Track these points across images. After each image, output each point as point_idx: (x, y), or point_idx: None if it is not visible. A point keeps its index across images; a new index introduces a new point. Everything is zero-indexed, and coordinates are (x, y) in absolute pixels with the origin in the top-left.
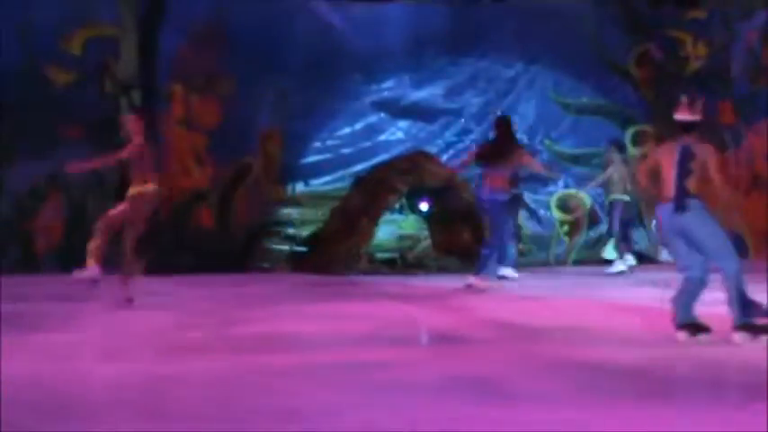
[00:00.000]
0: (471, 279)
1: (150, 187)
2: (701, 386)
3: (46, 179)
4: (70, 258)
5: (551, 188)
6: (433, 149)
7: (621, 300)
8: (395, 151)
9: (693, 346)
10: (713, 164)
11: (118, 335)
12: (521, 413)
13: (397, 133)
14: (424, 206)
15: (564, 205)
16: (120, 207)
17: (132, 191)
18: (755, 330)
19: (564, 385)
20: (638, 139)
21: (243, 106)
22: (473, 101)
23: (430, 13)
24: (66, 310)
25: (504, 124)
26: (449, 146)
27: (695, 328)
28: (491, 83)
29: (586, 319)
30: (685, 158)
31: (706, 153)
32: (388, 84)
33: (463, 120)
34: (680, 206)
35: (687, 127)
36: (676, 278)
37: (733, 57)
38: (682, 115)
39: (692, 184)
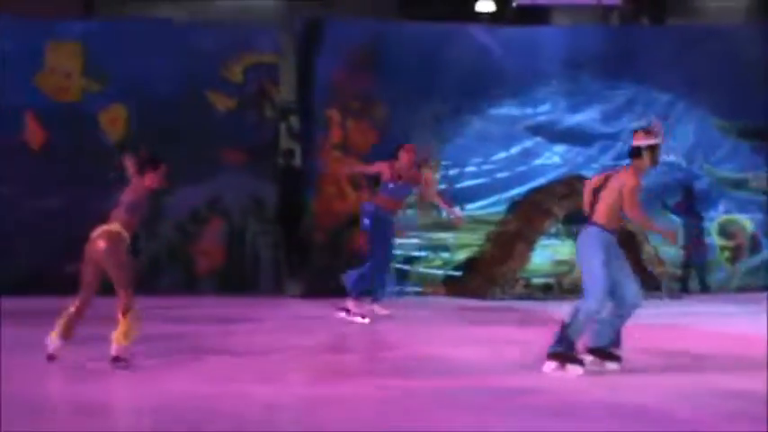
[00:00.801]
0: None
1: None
2: None
3: (206, 203)
4: (229, 281)
5: (712, 213)
6: (589, 174)
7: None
8: (551, 176)
9: None
10: (624, 193)
11: (273, 356)
12: None
13: (554, 158)
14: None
15: (725, 231)
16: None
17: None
18: (562, 360)
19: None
20: None
21: (397, 131)
22: (630, 125)
23: (586, 36)
24: (224, 331)
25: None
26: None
27: (604, 355)
28: (648, 106)
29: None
30: (601, 185)
31: (621, 182)
32: (544, 108)
33: (620, 144)
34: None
35: (632, 152)
36: None
37: None
38: (636, 141)
39: (600, 210)
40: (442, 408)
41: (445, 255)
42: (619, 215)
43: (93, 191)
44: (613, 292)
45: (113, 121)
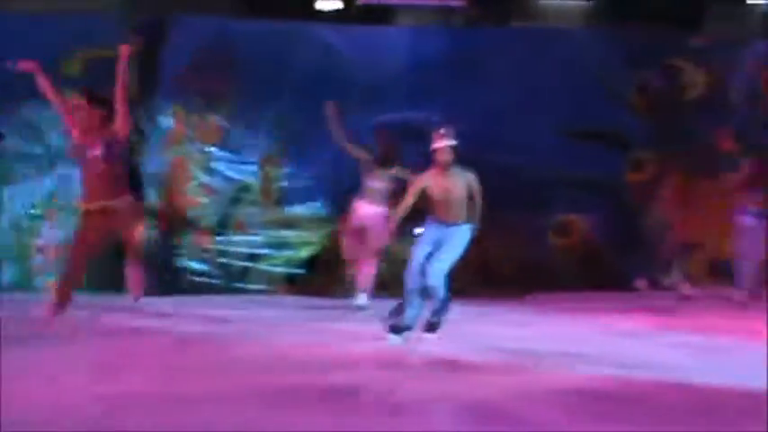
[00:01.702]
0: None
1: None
2: None
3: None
4: None
5: (551, 213)
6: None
7: None
8: None
9: None
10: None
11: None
12: None
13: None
14: (419, 231)
15: (563, 230)
16: None
17: None
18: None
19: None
20: (637, 167)
21: (243, 129)
22: (474, 125)
23: (431, 37)
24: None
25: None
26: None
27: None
28: (491, 108)
29: None
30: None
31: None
32: (389, 107)
33: (464, 144)
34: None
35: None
36: None
37: (732, 85)
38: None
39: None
40: (278, 407)
41: (288, 252)
42: (446, 207)
43: None
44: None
45: None
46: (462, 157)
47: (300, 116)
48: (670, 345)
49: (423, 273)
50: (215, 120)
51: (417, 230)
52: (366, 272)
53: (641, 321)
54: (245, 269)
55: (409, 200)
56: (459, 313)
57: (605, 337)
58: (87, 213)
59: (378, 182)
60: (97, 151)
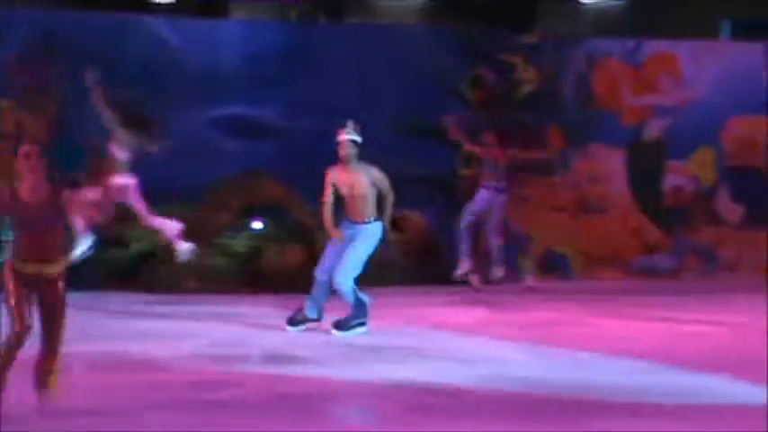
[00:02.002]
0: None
1: None
2: None
3: None
4: None
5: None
6: (268, 168)
7: None
8: (230, 169)
9: None
10: None
11: None
12: None
13: (233, 151)
14: (257, 225)
15: (400, 226)
16: None
17: None
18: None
19: None
20: (469, 161)
21: (73, 122)
22: (309, 120)
23: (266, 31)
24: None
25: None
26: (284, 164)
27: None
28: (328, 102)
29: None
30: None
31: None
32: (224, 101)
33: (299, 139)
34: None
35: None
36: None
37: (562, 82)
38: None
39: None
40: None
41: (120, 248)
42: (352, 204)
43: None
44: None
45: None
46: (298, 150)
47: None
48: (500, 338)
49: (330, 270)
50: (44, 115)
51: (255, 224)
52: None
53: (473, 316)
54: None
55: (327, 196)
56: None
57: (436, 332)
58: None
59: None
60: None
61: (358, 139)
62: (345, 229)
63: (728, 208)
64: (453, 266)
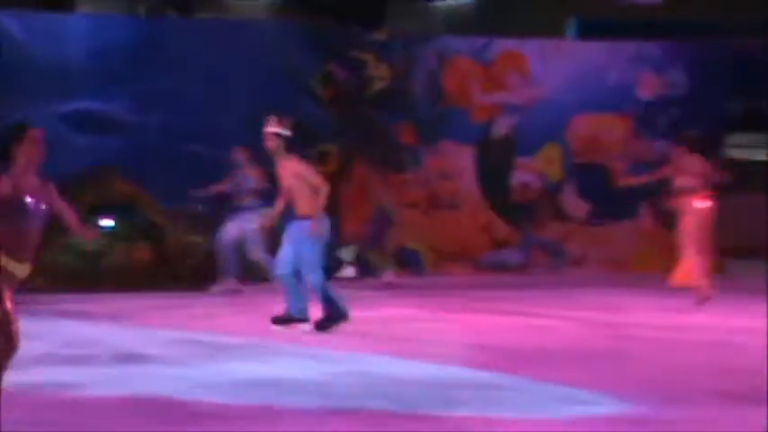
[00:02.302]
0: None
1: None
2: None
3: None
4: None
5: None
6: (117, 163)
7: None
8: (79, 165)
9: None
10: None
11: None
12: None
13: (82, 147)
14: (106, 222)
15: None
16: None
17: None
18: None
19: None
20: (322, 158)
21: None
22: (158, 115)
23: (115, 26)
24: None
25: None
26: (133, 160)
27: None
28: (177, 98)
29: None
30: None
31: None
32: (73, 96)
33: (148, 134)
34: None
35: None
36: None
37: (413, 79)
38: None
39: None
40: None
41: None
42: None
43: None
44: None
45: None
46: (147, 146)
47: None
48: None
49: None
50: None
51: (104, 222)
52: None
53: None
54: None
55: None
56: (143, 307)
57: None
58: None
59: None
60: None
61: (282, 131)
62: (290, 222)
63: (574, 204)
64: None
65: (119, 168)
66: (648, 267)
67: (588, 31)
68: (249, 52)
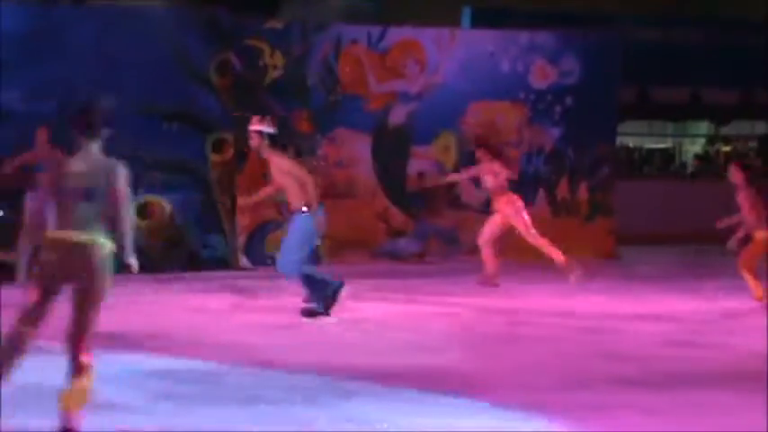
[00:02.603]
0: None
1: None
2: None
3: None
4: None
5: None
6: (9, 154)
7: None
8: None
9: None
10: None
11: None
12: None
13: None
14: None
15: (144, 211)
16: None
17: None
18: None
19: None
20: (218, 147)
21: None
22: (50, 104)
23: (4, 13)
24: None
25: None
26: (25, 150)
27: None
28: (69, 86)
29: None
30: None
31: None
32: None
33: (40, 123)
34: None
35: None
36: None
37: (309, 68)
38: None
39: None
40: None
41: None
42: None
43: None
44: None
45: None
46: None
47: None
48: (246, 324)
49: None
50: None
51: None
52: None
53: (220, 301)
54: None
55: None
56: None
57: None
58: None
59: None
60: None
61: (264, 129)
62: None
63: (470, 192)
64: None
65: (10, 158)
66: (542, 255)
67: (482, 19)
68: (142, 39)
